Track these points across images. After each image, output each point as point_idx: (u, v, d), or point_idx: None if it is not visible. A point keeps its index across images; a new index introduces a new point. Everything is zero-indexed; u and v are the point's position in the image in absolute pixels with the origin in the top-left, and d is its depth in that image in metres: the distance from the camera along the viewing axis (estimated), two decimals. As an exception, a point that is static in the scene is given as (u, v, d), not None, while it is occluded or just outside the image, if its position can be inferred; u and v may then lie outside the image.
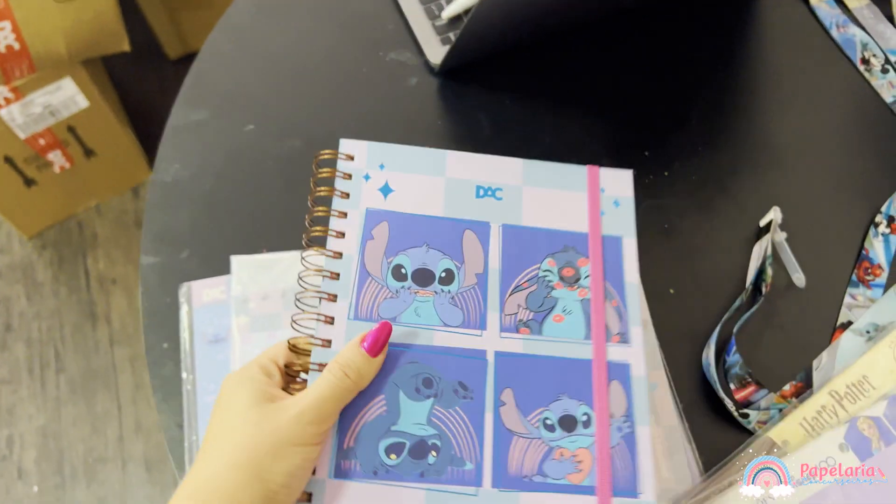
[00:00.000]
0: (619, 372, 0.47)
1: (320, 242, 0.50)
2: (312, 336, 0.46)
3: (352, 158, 0.52)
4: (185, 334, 0.60)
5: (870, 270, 0.60)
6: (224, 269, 0.62)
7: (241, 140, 0.70)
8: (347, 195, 0.51)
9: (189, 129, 0.71)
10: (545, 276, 0.50)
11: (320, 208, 0.50)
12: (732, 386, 0.56)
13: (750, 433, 0.54)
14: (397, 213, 0.51)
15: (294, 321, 0.46)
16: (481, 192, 0.52)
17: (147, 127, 1.57)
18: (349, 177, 0.52)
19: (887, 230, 0.61)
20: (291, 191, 0.67)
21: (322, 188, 0.51)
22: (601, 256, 0.50)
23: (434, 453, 0.44)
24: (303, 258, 0.49)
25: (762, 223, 0.62)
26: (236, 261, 0.62)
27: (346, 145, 0.53)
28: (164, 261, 0.64)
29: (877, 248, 0.61)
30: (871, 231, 0.61)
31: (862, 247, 0.61)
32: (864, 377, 0.54)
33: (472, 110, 0.70)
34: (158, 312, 0.62)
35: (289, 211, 0.66)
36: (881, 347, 0.55)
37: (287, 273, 0.61)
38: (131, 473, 1.43)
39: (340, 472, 0.44)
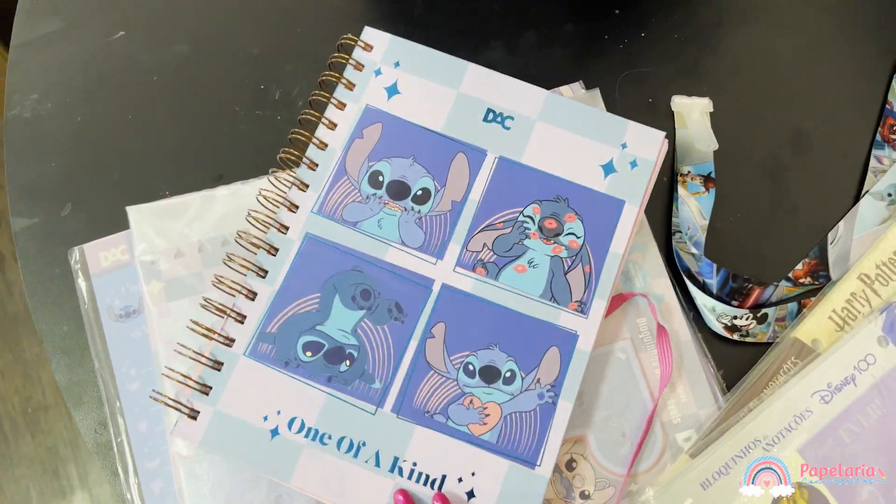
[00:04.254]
0: (564, 340, 0.44)
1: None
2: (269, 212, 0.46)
3: (370, 49, 0.50)
4: (87, 311, 0.49)
5: (895, 128, 0.51)
6: (120, 223, 0.50)
7: (110, 52, 0.55)
8: (353, 86, 0.49)
9: (40, 45, 0.55)
10: (524, 221, 0.46)
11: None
12: (735, 303, 0.47)
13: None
14: (394, 118, 0.49)
15: (247, 220, 0.46)
16: (490, 117, 0.48)
17: None
18: (361, 67, 0.49)
19: (913, 77, 0.52)
20: (184, 112, 0.53)
21: (330, 73, 0.49)
22: (593, 217, 0.46)
23: (348, 363, 0.44)
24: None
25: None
26: (133, 212, 0.49)
27: (369, 34, 0.50)
28: (42, 222, 0.51)
29: (903, 101, 0.52)
30: (895, 82, 0.52)
31: (885, 101, 0.52)
32: (895, 254, 0.47)
33: (397, -21, 0.56)
34: (47, 288, 0.50)
35: (187, 138, 0.53)
36: (909, 216, 0.48)
37: (201, 219, 0.49)
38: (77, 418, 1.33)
39: (255, 353, 0.44)
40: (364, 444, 0.42)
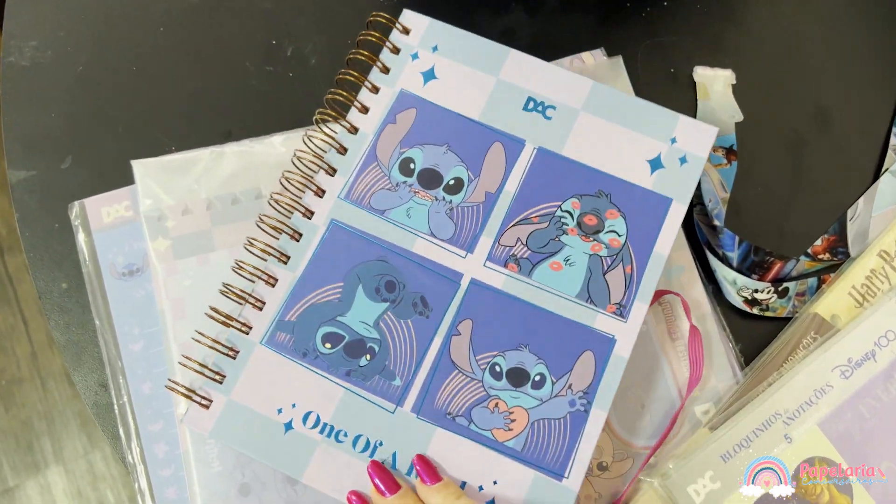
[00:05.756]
0: (600, 344, 0.42)
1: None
2: (292, 201, 0.44)
3: (407, 32, 0.48)
4: (87, 268, 0.47)
5: (918, 106, 0.51)
6: (123, 178, 0.48)
7: (114, 0, 0.53)
8: (388, 70, 0.47)
9: (40, -10, 0.53)
10: (562, 216, 0.44)
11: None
12: (755, 276, 0.47)
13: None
14: (430, 104, 0.46)
15: (269, 201, 0.44)
16: (531, 106, 0.46)
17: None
18: (397, 51, 0.47)
19: (929, 56, 0.52)
20: (192, 65, 0.51)
21: (362, 51, 0.46)
22: (637, 215, 0.44)
23: (368, 357, 0.42)
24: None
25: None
26: (139, 166, 0.47)
27: (408, 16, 0.48)
28: (41, 174, 0.49)
29: (926, 79, 0.51)
30: (919, 58, 0.52)
31: (908, 79, 0.52)
32: (914, 232, 0.47)
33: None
34: (46, 243, 0.48)
35: (195, 92, 0.51)
36: (928, 194, 0.48)
37: (209, 176, 0.47)
38: (53, 391, 1.31)
39: (273, 342, 0.42)
40: (380, 444, 0.40)
